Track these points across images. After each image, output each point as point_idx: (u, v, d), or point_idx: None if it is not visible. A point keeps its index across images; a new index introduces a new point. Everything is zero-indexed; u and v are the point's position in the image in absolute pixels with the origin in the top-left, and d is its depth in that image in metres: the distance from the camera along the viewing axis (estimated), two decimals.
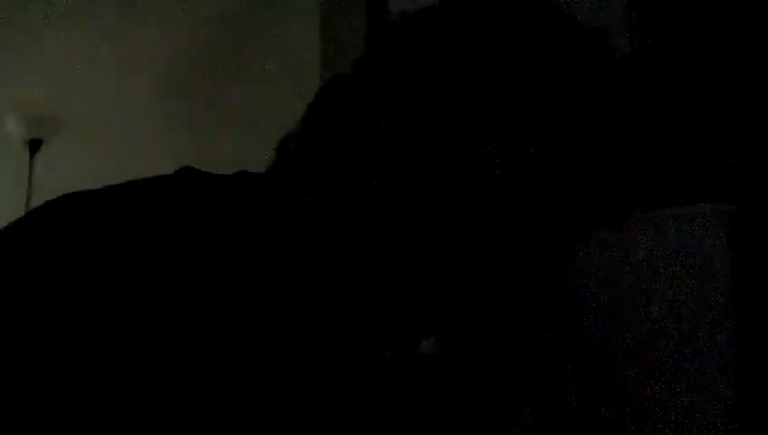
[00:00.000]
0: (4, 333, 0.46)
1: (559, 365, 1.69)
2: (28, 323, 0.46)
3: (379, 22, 2.37)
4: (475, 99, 0.51)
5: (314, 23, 2.57)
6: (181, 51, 2.87)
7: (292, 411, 0.53)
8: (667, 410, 1.72)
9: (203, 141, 2.72)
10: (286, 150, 0.59)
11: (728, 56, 1.82)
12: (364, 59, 0.57)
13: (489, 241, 0.51)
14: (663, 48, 1.83)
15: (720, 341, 1.69)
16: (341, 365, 0.58)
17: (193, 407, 0.49)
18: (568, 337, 1.73)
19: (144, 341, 0.47)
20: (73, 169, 2.80)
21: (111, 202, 0.52)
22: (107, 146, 2.87)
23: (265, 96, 2.64)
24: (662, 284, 1.72)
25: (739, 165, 1.77)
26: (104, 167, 2.62)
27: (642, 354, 1.74)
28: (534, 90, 0.51)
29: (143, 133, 2.86)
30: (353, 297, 0.52)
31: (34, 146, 2.85)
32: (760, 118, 1.76)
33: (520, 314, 0.63)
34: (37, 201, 3.10)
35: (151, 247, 0.50)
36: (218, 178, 0.58)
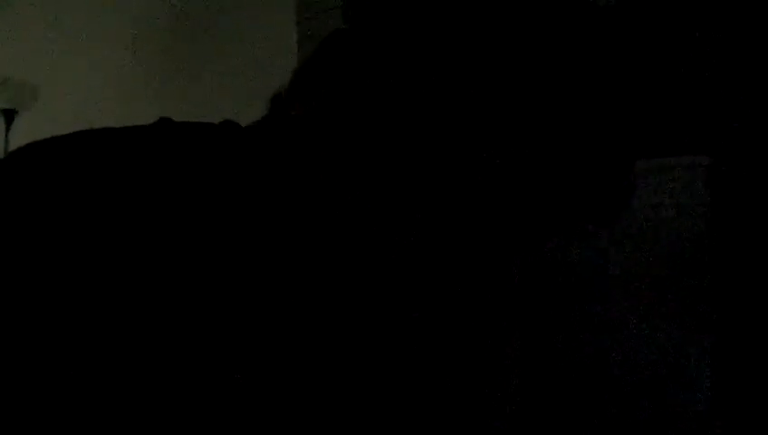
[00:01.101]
0: None
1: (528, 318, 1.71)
2: None
3: None
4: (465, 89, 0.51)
5: None
6: (156, 14, 2.84)
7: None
8: (640, 354, 1.75)
9: (181, 106, 2.70)
10: (278, 104, 0.58)
11: (701, 6, 1.82)
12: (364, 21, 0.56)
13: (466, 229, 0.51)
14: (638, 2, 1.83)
15: (697, 293, 1.71)
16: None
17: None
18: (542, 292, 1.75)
19: (117, 299, 0.46)
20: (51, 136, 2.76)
21: (84, 150, 0.50)
22: (84, 114, 2.85)
23: (241, 59, 2.62)
24: (638, 238, 1.74)
25: (715, 117, 1.78)
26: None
27: (617, 307, 1.75)
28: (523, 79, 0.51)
29: (121, 102, 2.84)
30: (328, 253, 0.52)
31: (9, 116, 2.82)
32: (734, 69, 1.77)
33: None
34: None
35: (125, 195, 0.48)
36: (198, 127, 0.57)
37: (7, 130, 2.82)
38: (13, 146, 2.79)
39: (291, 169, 0.53)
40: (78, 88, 2.91)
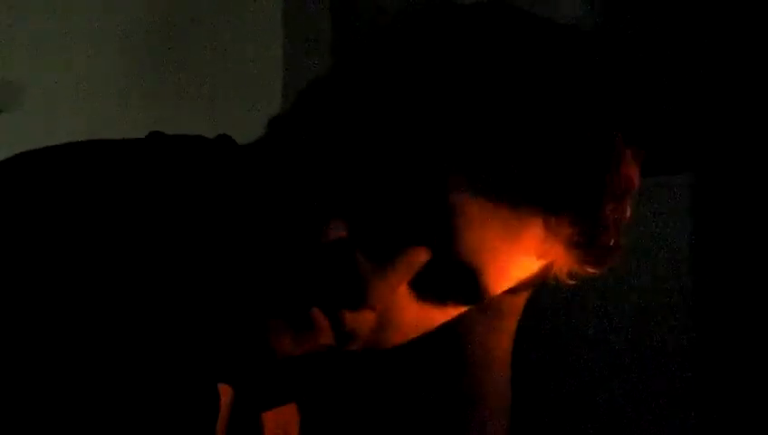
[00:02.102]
0: None
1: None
2: None
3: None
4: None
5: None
6: (144, 15, 2.83)
7: None
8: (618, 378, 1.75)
9: (169, 111, 2.69)
10: (277, 128, 0.57)
11: (685, 23, 1.83)
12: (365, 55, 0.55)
13: None
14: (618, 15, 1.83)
15: (679, 313, 1.71)
16: None
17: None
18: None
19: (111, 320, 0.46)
20: (35, 137, 2.74)
21: (73, 164, 0.50)
22: (69, 116, 2.83)
23: (230, 67, 2.61)
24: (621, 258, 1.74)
25: (697, 135, 1.79)
26: (67, 131, 2.57)
27: (596, 326, 1.76)
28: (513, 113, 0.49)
29: (107, 103, 2.82)
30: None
31: None
32: (716, 86, 1.78)
33: None
34: None
35: (112, 214, 0.48)
36: (190, 142, 0.56)
37: None
38: None
39: (278, 191, 0.53)
40: (63, 88, 2.89)
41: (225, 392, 0.54)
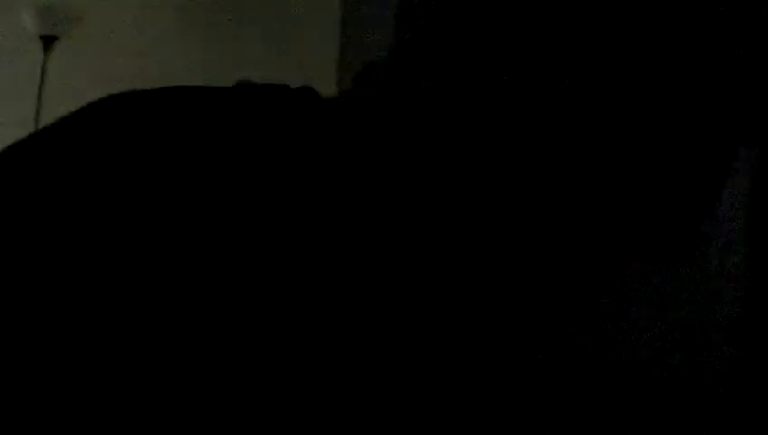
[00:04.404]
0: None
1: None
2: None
3: None
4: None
5: None
6: None
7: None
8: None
9: (220, 39, 2.68)
10: (368, 80, 0.55)
11: None
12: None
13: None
14: None
15: (732, 278, 1.69)
16: None
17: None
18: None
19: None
20: (88, 68, 2.77)
21: (174, 111, 0.48)
22: (123, 44, 2.84)
23: (282, 25, 2.59)
24: None
25: (761, 107, 1.73)
26: (120, 66, 2.59)
27: (648, 299, 1.73)
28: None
29: (160, 33, 2.83)
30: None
31: (48, 42, 2.81)
32: None
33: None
34: (49, 99, 3.03)
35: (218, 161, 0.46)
36: (278, 91, 0.55)
37: (45, 56, 2.82)
38: (49, 73, 2.79)
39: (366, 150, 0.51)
40: (120, 21, 2.91)
41: None
